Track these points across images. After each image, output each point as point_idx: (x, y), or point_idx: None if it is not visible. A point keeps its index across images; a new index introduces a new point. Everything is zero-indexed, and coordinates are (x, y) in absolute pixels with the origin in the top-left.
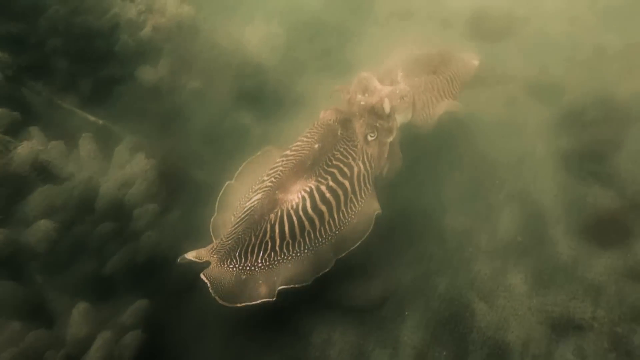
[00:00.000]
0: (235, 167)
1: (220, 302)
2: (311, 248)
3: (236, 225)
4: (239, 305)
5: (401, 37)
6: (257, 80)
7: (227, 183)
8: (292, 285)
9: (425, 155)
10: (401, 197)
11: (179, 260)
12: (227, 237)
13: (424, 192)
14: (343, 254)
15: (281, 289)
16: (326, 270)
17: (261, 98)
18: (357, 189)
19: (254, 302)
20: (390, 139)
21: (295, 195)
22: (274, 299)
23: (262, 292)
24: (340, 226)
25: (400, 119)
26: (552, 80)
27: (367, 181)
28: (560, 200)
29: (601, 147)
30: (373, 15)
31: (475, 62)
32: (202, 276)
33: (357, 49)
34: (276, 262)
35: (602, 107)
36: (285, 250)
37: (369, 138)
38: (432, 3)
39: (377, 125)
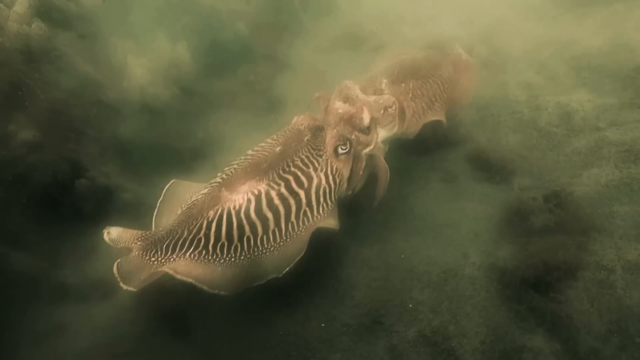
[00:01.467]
0: None
1: (126, 287)
2: (248, 256)
3: (174, 219)
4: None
5: (347, 65)
6: (134, 127)
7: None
8: (210, 290)
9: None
10: None
11: (104, 232)
12: (161, 229)
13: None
14: (285, 270)
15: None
16: (260, 283)
17: (134, 152)
18: (313, 202)
19: (156, 274)
20: (367, 150)
21: (241, 196)
22: (178, 276)
23: (178, 268)
24: (287, 238)
25: (384, 132)
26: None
27: (327, 196)
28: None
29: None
30: (311, 39)
31: (466, 56)
32: (114, 269)
33: (290, 82)
34: (205, 261)
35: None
36: (218, 251)
37: (340, 151)
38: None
39: (353, 137)
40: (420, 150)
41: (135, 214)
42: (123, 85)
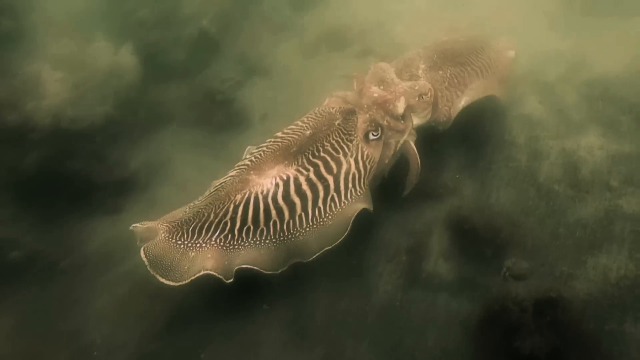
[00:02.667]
0: None
1: (163, 280)
2: (274, 240)
3: (202, 199)
4: (185, 282)
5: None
6: (42, 159)
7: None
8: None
9: None
10: None
11: (131, 227)
12: (189, 209)
13: None
14: (311, 257)
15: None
16: (282, 270)
17: (37, 193)
18: (342, 188)
19: (197, 275)
20: (401, 140)
21: (269, 180)
22: (230, 280)
23: (209, 265)
24: (314, 224)
25: (417, 119)
26: None
27: (357, 182)
28: None
29: None
30: (292, 37)
31: (512, 53)
32: (141, 253)
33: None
34: (231, 246)
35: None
36: (244, 235)
37: (371, 137)
38: None
39: (385, 123)
40: (393, 200)
41: (26, 279)
42: (30, 105)
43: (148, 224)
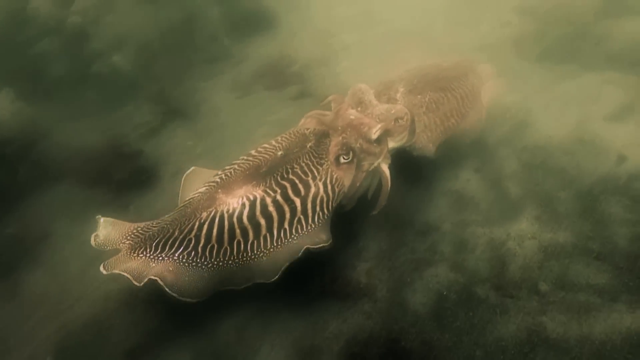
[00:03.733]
0: None
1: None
2: (237, 260)
3: (170, 214)
4: (139, 283)
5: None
6: None
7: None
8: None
9: None
10: None
11: (92, 236)
12: (155, 224)
13: None
14: (274, 277)
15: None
16: (247, 285)
17: None
18: (309, 210)
19: (154, 279)
20: (375, 164)
21: (236, 200)
22: (186, 300)
23: (168, 278)
24: (279, 245)
25: (393, 142)
26: None
27: (325, 205)
28: None
29: None
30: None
31: (496, 81)
32: (101, 268)
33: (177, 139)
34: (194, 264)
35: None
36: (207, 254)
37: (342, 160)
38: None
39: (358, 146)
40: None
41: None
42: None
43: (109, 231)
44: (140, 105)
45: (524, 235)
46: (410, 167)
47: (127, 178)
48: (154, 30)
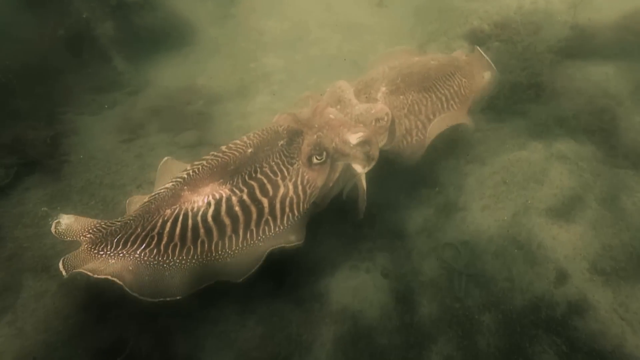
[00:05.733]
0: None
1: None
2: (200, 259)
3: (135, 210)
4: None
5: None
6: None
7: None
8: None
9: None
10: None
11: (53, 223)
12: (118, 220)
13: None
14: (242, 278)
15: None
16: (209, 284)
17: None
18: (277, 212)
19: (109, 278)
20: (356, 164)
21: (201, 198)
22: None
23: (127, 277)
24: (244, 246)
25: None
26: None
27: (295, 207)
28: None
29: None
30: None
31: (487, 77)
32: (60, 265)
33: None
34: (155, 262)
35: None
36: (170, 252)
37: (314, 160)
38: None
39: (333, 145)
40: None
41: None
42: None
43: (72, 220)
44: None
45: None
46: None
47: None
48: (28, 51)
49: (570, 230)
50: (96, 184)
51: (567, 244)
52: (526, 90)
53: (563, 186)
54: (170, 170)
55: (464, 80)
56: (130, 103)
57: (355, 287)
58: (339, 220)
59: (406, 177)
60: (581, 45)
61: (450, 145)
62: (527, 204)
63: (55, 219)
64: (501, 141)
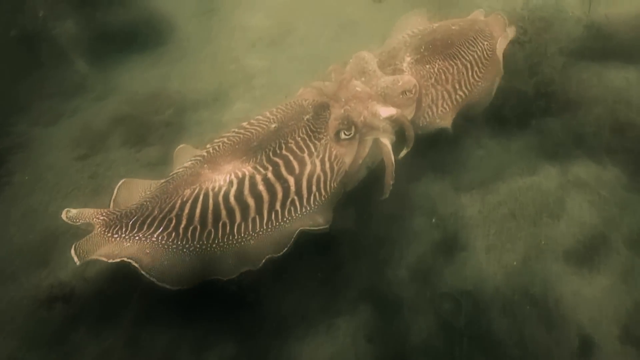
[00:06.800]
0: None
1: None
2: (221, 244)
3: (151, 191)
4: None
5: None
6: None
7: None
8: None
9: None
10: None
11: (63, 211)
12: (135, 202)
13: None
14: (260, 263)
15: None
16: (230, 277)
17: None
18: (304, 191)
19: (125, 260)
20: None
21: (223, 177)
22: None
23: (144, 260)
24: (269, 228)
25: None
26: None
27: (322, 186)
28: None
29: None
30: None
31: (511, 33)
32: (72, 251)
33: None
34: (174, 246)
35: None
36: (189, 236)
37: (342, 136)
38: None
39: (361, 119)
40: None
41: None
42: None
43: (82, 209)
44: None
45: None
46: None
47: None
48: None
49: (594, 282)
50: (39, 212)
51: (592, 302)
52: (536, 101)
53: (583, 222)
54: (188, 155)
55: (485, 43)
56: (94, 111)
57: (331, 357)
58: (313, 262)
59: (398, 203)
60: (598, 46)
61: (450, 164)
62: (540, 246)
63: (65, 210)
64: (507, 162)
